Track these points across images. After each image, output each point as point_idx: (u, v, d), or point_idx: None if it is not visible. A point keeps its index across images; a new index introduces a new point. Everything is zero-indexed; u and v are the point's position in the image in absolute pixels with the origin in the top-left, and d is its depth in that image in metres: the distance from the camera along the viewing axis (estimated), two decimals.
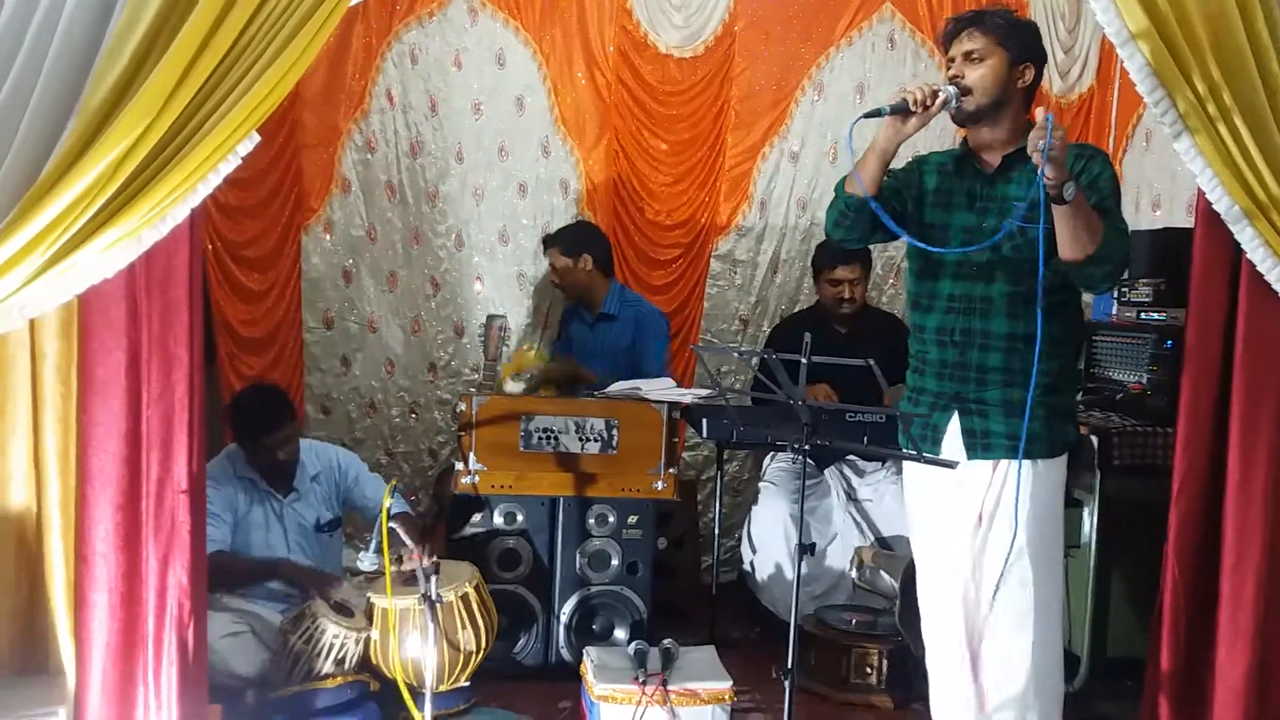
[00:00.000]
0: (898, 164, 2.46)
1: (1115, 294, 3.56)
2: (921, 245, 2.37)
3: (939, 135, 4.30)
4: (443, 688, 2.86)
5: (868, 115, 2.30)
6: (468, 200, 4.20)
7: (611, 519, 3.34)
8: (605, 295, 3.94)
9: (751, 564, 3.70)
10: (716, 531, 3.71)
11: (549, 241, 3.98)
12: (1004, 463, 2.38)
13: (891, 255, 4.52)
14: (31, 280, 1.97)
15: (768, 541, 3.64)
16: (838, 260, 3.77)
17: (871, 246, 3.84)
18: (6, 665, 2.17)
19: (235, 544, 3.20)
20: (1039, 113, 2.10)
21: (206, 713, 2.38)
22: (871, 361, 2.16)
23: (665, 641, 3.05)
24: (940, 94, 2.28)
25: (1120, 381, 3.43)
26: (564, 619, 3.33)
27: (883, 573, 3.34)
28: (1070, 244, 2.20)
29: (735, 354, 4.04)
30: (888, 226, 2.36)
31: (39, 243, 1.94)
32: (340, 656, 2.84)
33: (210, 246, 3.71)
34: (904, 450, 2.43)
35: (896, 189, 2.48)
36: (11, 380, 2.13)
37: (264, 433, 3.18)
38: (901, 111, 2.28)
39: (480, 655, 2.92)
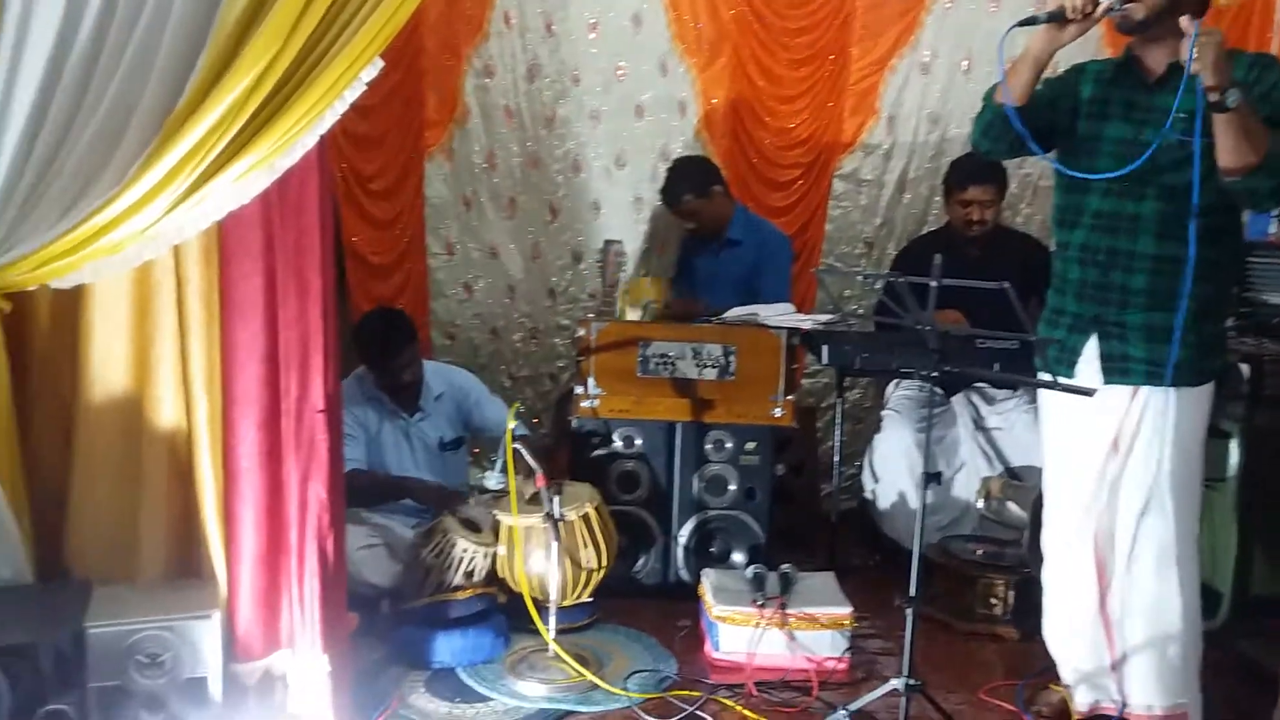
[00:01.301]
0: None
1: (1275, 213, 3.29)
2: (1063, 169, 2.25)
3: (1080, 45, 4.01)
4: (566, 602, 2.86)
5: (1022, 24, 2.20)
6: (584, 123, 4.10)
7: (729, 445, 3.31)
8: (733, 222, 3.81)
9: (873, 492, 3.63)
10: (837, 459, 3.61)
11: (672, 194, 3.77)
12: (1144, 389, 2.28)
13: (1028, 173, 4.26)
14: (172, 209, 2.02)
15: (891, 470, 3.55)
16: (971, 180, 3.56)
17: (1007, 164, 3.65)
18: (166, 571, 2.29)
19: (369, 461, 3.28)
20: (1183, 22, 1.96)
21: (346, 619, 2.45)
22: (1007, 285, 2.08)
23: (784, 566, 3.04)
24: (1102, 1, 2.15)
25: (1277, 306, 3.23)
26: (682, 541, 3.32)
27: (1011, 504, 3.27)
28: (1231, 155, 2.07)
29: (859, 278, 3.89)
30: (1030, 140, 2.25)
31: (178, 172, 1.98)
32: (469, 570, 2.87)
33: (338, 175, 3.73)
34: (1037, 377, 2.36)
35: (1051, 99, 2.35)
36: (158, 305, 2.20)
37: (388, 355, 3.20)
38: (1059, 19, 2.17)
39: (601, 573, 2.91)
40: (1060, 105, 2.35)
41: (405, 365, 3.24)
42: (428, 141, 3.99)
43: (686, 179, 3.77)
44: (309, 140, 2.05)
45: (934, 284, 2.18)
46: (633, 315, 3.44)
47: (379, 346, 3.22)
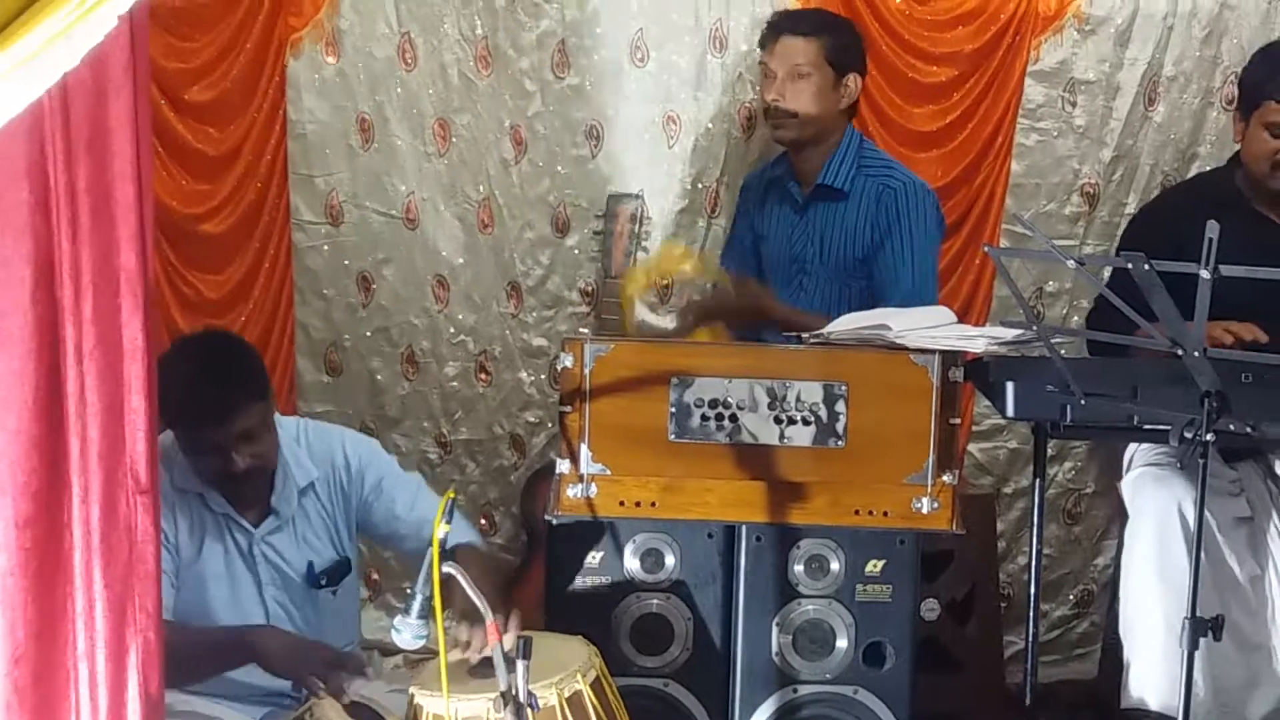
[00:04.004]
0: None
1: None
2: None
3: None
4: None
5: None
6: None
7: (836, 565, 2.59)
8: (835, 152, 2.91)
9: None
10: (1034, 589, 2.69)
11: (789, 22, 2.80)
12: None
13: None
14: None
15: (1142, 608, 2.67)
16: None
17: None
18: None
19: (178, 609, 2.52)
20: None
21: None
22: None
23: None
24: None
25: None
26: None
27: None
28: None
29: (1070, 263, 2.83)
30: None
31: None
32: None
33: None
34: None
35: None
36: None
37: (215, 420, 2.47)
38: None
39: None
40: None
41: (242, 439, 2.50)
42: (293, 21, 3.10)
43: (834, 29, 2.87)
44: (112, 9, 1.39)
45: (1205, 274, 1.80)
46: (654, 319, 2.88)
47: (200, 405, 2.49)
